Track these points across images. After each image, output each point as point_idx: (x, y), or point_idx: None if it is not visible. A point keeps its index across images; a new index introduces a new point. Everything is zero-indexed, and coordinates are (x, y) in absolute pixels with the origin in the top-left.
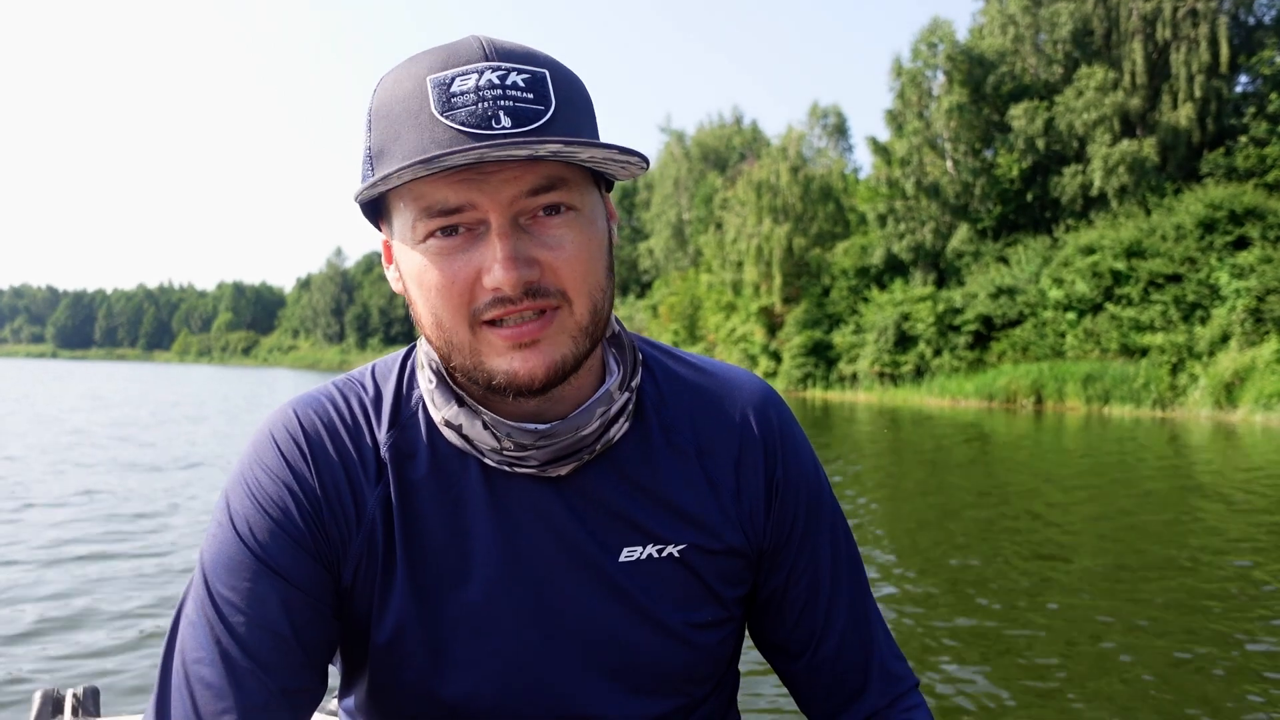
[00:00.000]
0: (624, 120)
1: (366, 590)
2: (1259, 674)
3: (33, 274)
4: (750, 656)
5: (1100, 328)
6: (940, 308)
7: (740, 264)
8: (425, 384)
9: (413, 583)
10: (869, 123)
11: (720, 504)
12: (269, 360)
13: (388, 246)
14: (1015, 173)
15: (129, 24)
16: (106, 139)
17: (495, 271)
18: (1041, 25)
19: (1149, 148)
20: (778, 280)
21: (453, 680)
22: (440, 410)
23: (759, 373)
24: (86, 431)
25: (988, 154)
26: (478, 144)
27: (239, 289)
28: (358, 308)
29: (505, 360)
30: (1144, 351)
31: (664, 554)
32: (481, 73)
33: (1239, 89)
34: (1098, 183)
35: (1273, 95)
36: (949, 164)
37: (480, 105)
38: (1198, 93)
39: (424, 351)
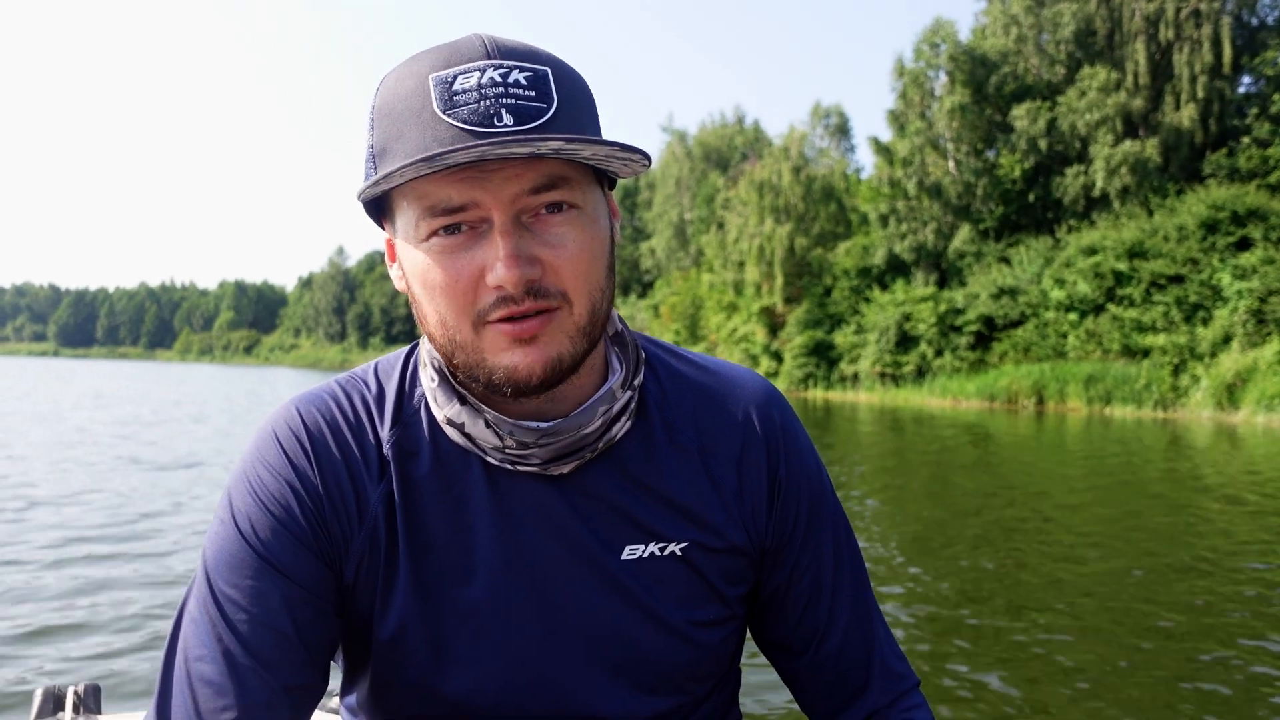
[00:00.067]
0: (626, 120)
1: (369, 587)
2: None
3: (35, 272)
4: (751, 654)
5: (1102, 328)
6: (942, 308)
7: (742, 264)
8: (428, 382)
9: (415, 580)
10: (871, 123)
11: (723, 502)
12: (271, 359)
13: (391, 245)
14: (1017, 173)
15: (130, 24)
16: (108, 138)
17: (498, 269)
18: (1044, 25)
19: (1151, 148)
20: (779, 280)
21: (455, 677)
22: (443, 408)
23: (760, 373)
24: (89, 430)
25: (990, 154)
26: (479, 142)
27: (241, 288)
28: (359, 307)
29: (506, 356)
30: (1146, 352)
31: (666, 552)
32: (484, 71)
33: (1242, 90)
34: (1100, 183)
35: (1275, 96)
36: (951, 164)
37: (482, 103)
38: (1200, 93)
39: (426, 350)
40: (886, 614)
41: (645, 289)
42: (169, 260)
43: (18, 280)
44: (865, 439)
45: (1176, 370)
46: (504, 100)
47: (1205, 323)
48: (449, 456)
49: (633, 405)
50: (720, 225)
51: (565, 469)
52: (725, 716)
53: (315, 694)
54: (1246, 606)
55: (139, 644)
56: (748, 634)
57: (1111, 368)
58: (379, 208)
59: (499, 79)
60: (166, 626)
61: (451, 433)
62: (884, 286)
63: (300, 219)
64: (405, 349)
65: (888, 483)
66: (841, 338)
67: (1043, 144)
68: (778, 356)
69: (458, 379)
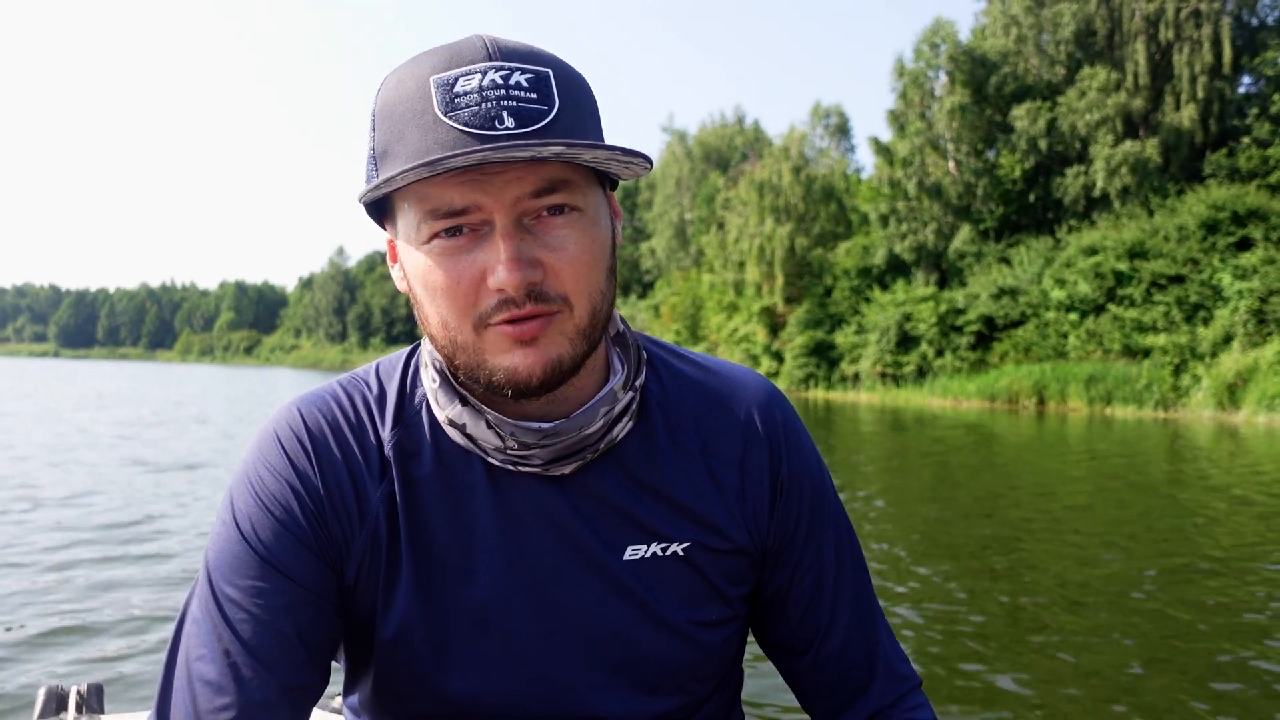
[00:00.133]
0: (626, 120)
1: (370, 588)
2: None
3: (35, 273)
4: (752, 654)
5: (1103, 328)
6: (942, 308)
7: (742, 264)
8: (429, 383)
9: (417, 580)
10: (871, 123)
11: (725, 502)
12: (271, 360)
13: (392, 246)
14: (1017, 173)
15: (130, 24)
16: (109, 139)
17: (499, 272)
18: (1044, 26)
19: (1151, 148)
20: (780, 280)
21: (457, 678)
22: (444, 409)
23: (761, 373)
24: (91, 431)
25: (990, 154)
26: (480, 145)
27: (241, 288)
28: (360, 307)
29: (506, 358)
30: (1146, 352)
31: (668, 552)
32: (485, 73)
33: (1242, 90)
34: (1100, 183)
35: (1275, 96)
36: (951, 164)
37: (484, 105)
38: (1200, 94)
39: (428, 351)
40: (896, 614)
41: (646, 289)
42: (169, 261)
43: (18, 281)
44: (867, 439)
45: (1177, 370)
46: (506, 102)
47: (1206, 323)
48: (450, 457)
49: (634, 406)
50: (720, 225)
51: (567, 470)
52: (727, 717)
53: (315, 694)
54: (1261, 607)
55: (142, 645)
56: (749, 634)
57: (1112, 368)
58: (380, 209)
59: (500, 81)
60: (169, 627)
61: (453, 433)
62: (884, 287)
63: (300, 219)
64: (407, 350)
65: (892, 483)
66: (842, 338)
67: (1043, 144)
68: (778, 357)
69: (459, 380)
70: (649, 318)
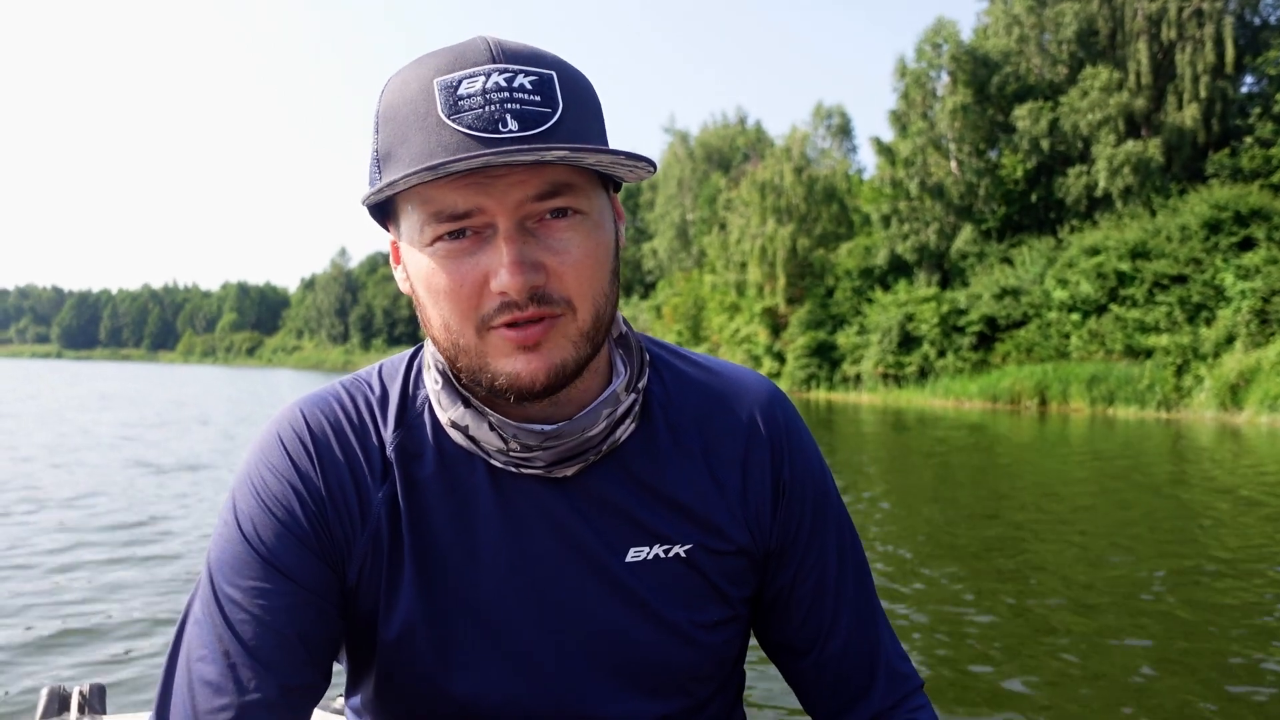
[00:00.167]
0: (628, 120)
1: (372, 589)
2: None
3: (38, 274)
4: (754, 655)
5: (1105, 329)
6: (944, 309)
7: (744, 264)
8: (431, 385)
9: (419, 581)
10: (873, 123)
11: (727, 504)
12: (273, 361)
13: (395, 247)
14: (1020, 173)
15: (131, 24)
16: (110, 140)
17: (502, 276)
18: (1046, 25)
19: (1154, 148)
20: (781, 281)
21: (460, 679)
22: (446, 411)
23: (763, 373)
24: (94, 432)
25: (992, 155)
26: (484, 149)
27: (243, 289)
28: (362, 308)
29: (509, 362)
30: (1149, 353)
31: (670, 554)
32: (488, 75)
33: (1244, 90)
34: (1102, 183)
35: (1278, 96)
36: (953, 164)
37: (487, 108)
38: (1203, 93)
39: (430, 353)
40: (903, 616)
41: (647, 290)
42: (172, 262)
43: (21, 282)
44: (869, 440)
45: (1179, 370)
46: (509, 105)
47: (1208, 323)
48: (453, 459)
49: (637, 408)
50: (722, 226)
51: (569, 472)
52: (729, 717)
53: (315, 694)
54: (1271, 609)
55: (144, 646)
56: (751, 635)
57: (1114, 368)
58: (384, 211)
59: (504, 84)
60: (172, 629)
61: (455, 435)
62: (886, 287)
63: (302, 220)
64: (409, 351)
65: (896, 485)
66: (844, 338)
67: (1045, 144)
68: (780, 357)
69: (461, 382)
70: (651, 318)
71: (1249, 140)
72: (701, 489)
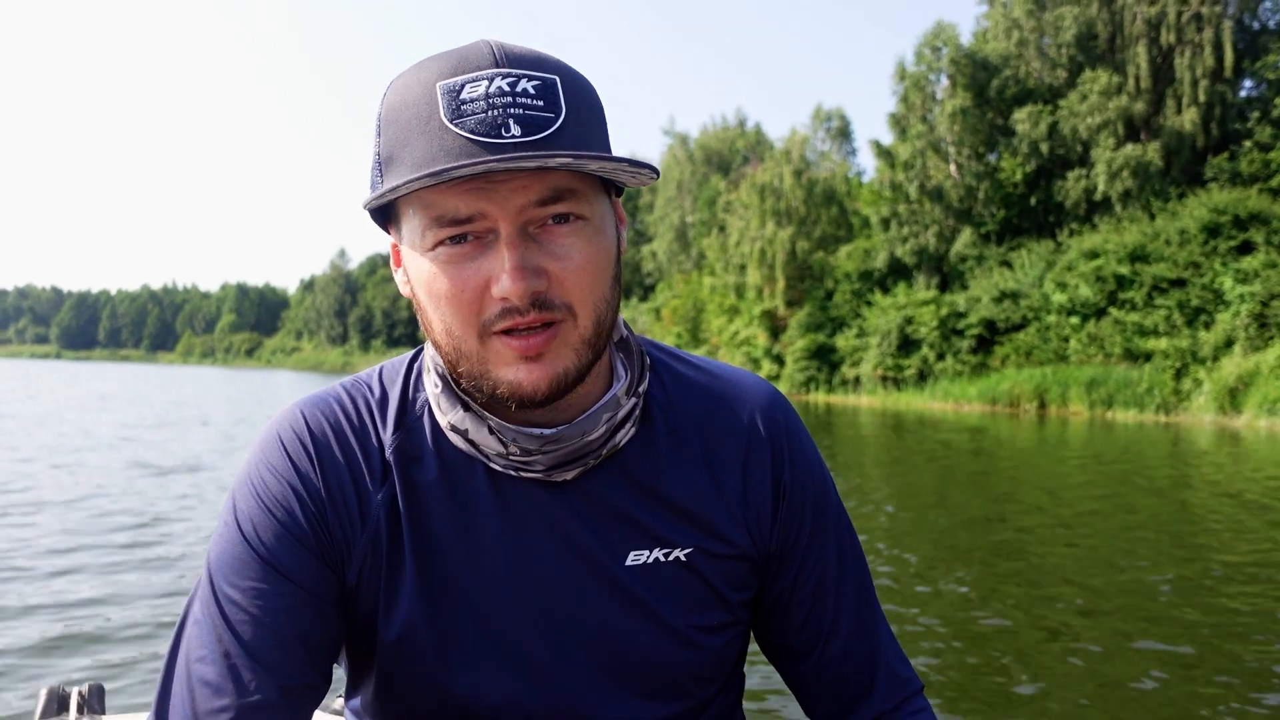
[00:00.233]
0: (628, 122)
1: (372, 590)
2: None
3: (37, 275)
4: (754, 658)
5: (1104, 332)
6: (943, 311)
7: (743, 267)
8: (431, 388)
9: (420, 583)
10: (873, 126)
11: (727, 507)
12: (272, 362)
13: (396, 250)
14: (1019, 177)
15: (131, 24)
16: (110, 140)
17: (503, 281)
18: (1045, 29)
19: (1153, 152)
20: (781, 283)
21: (460, 681)
22: (446, 414)
23: (762, 376)
24: (93, 433)
25: (991, 158)
26: (487, 155)
27: (243, 290)
28: (361, 310)
29: (511, 371)
30: (1148, 356)
31: (670, 557)
32: (491, 79)
33: (1243, 93)
34: (1101, 187)
35: (1277, 100)
36: (952, 168)
37: (490, 113)
38: (1202, 97)
39: (430, 356)
40: (908, 620)
41: (647, 292)
42: (171, 262)
43: (20, 282)
44: (869, 443)
45: (1178, 374)
46: (512, 110)
47: (1207, 326)
48: (452, 462)
49: (637, 412)
50: (722, 228)
51: (569, 475)
52: (729, 719)
53: (315, 695)
54: None
55: (144, 646)
56: (751, 637)
57: (1113, 371)
58: (385, 214)
59: (507, 88)
60: (172, 629)
61: (455, 438)
62: (885, 290)
63: (302, 221)
64: (410, 354)
65: (898, 488)
66: (843, 341)
67: (1044, 147)
68: (779, 360)
69: (461, 386)
70: (650, 320)
71: (1248, 144)
72: (701, 492)
